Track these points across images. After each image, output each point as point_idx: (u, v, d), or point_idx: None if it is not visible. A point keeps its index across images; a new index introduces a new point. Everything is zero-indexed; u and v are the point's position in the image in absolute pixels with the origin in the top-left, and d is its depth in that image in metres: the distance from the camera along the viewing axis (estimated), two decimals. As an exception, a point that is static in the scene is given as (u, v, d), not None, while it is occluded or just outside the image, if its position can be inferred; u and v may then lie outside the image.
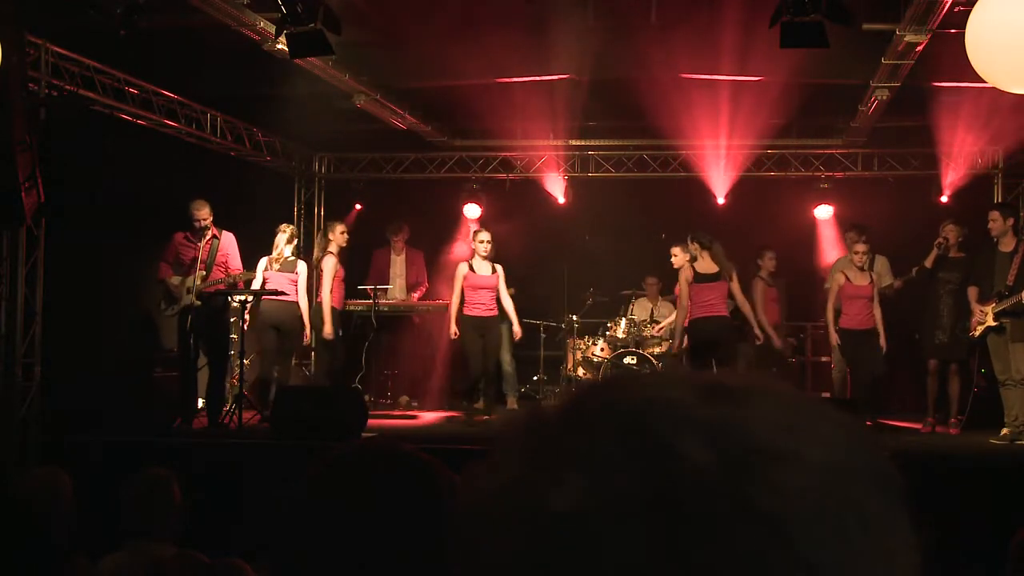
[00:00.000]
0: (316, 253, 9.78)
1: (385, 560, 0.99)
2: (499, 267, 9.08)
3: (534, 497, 0.49)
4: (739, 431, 0.48)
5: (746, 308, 8.73)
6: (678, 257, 9.21)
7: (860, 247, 8.67)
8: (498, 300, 9.04)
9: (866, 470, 0.50)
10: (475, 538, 0.52)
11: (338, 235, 9.55)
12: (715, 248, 8.60)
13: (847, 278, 8.66)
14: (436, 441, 7.69)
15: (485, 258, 8.99)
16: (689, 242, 8.78)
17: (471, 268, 8.99)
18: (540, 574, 0.48)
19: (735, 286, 8.62)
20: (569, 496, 0.48)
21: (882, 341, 8.41)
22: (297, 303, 8.94)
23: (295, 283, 8.94)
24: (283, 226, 9.18)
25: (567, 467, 0.49)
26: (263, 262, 8.99)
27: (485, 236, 9.04)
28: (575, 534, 0.47)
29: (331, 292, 9.32)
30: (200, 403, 8.67)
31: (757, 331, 8.80)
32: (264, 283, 8.87)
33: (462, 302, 8.98)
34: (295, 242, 9.15)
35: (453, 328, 9.02)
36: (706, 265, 8.57)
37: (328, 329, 9.20)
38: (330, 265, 9.36)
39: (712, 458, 0.47)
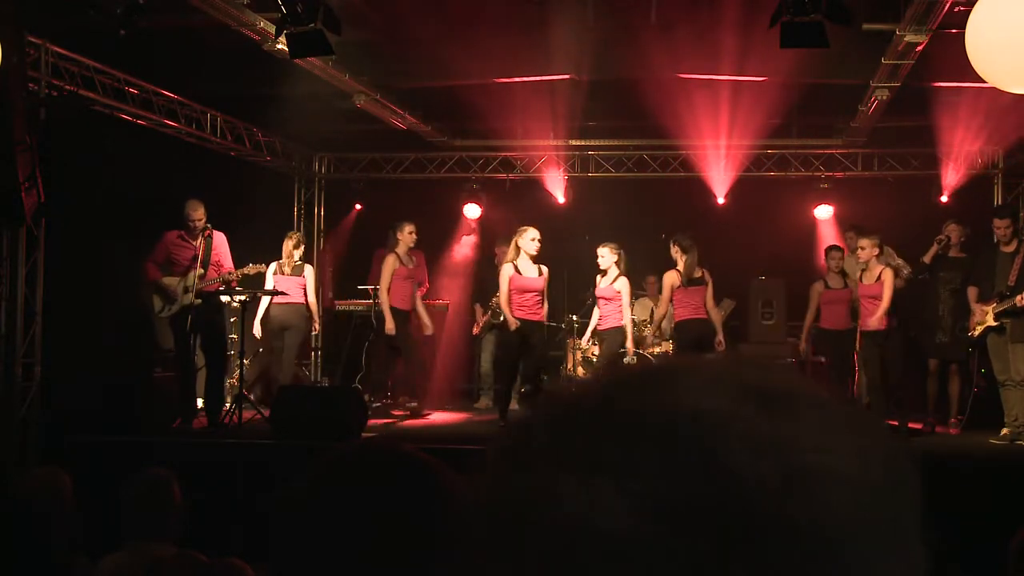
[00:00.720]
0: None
1: (385, 560, 0.99)
2: (544, 268, 8.69)
3: (571, 505, 0.47)
4: (788, 448, 0.47)
5: (715, 315, 8.87)
6: (673, 251, 9.18)
7: (836, 254, 8.86)
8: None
9: (900, 486, 0.50)
10: (499, 544, 0.49)
11: (406, 235, 9.48)
12: (695, 253, 8.78)
13: (825, 285, 8.83)
14: (436, 441, 7.70)
15: (533, 258, 8.54)
16: (671, 244, 8.89)
17: (517, 270, 8.51)
18: None
19: (710, 291, 8.83)
20: (610, 505, 0.46)
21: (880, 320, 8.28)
22: (305, 304, 9.41)
23: (303, 287, 9.41)
24: (291, 233, 9.63)
25: (606, 474, 0.47)
26: (272, 267, 9.35)
27: (535, 234, 8.49)
28: (615, 545, 0.45)
29: (389, 291, 9.31)
30: (200, 403, 8.68)
31: (720, 338, 8.88)
32: (274, 288, 9.32)
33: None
34: (302, 248, 9.58)
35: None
36: (689, 268, 8.75)
37: (389, 325, 9.20)
38: (389, 264, 9.37)
39: (763, 474, 0.46)
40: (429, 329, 9.82)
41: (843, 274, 8.88)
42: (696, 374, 0.51)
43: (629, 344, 9.03)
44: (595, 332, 9.62)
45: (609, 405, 0.50)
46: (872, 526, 0.47)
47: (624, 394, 0.51)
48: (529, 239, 8.47)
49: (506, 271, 8.55)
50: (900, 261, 9.08)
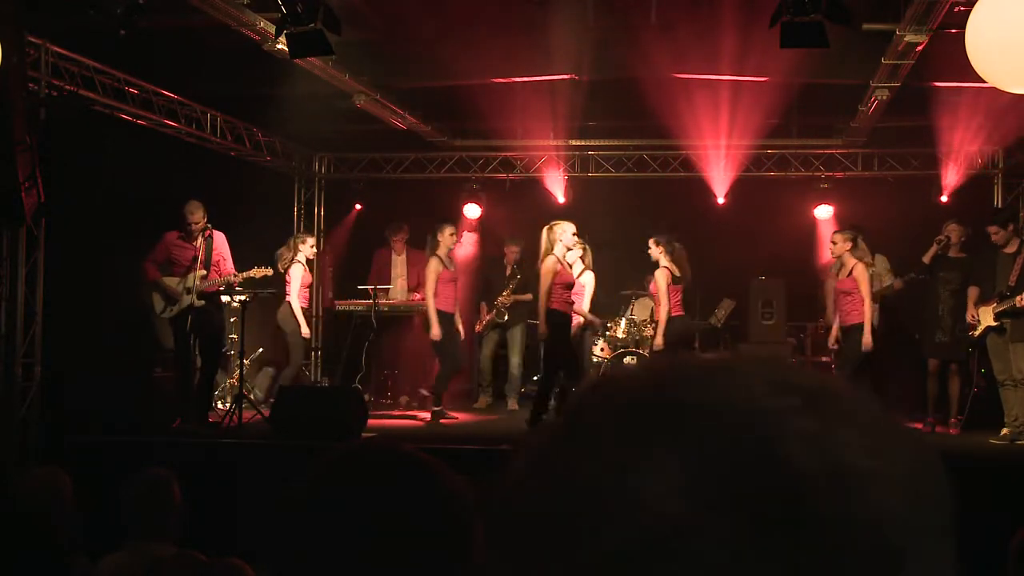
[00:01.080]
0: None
1: (385, 560, 0.99)
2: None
3: (633, 488, 0.48)
4: (835, 445, 0.49)
5: (661, 313, 9.07)
6: (654, 251, 9.26)
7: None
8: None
9: (935, 488, 0.52)
10: (555, 526, 0.50)
11: (447, 236, 9.52)
12: (677, 252, 8.95)
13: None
14: (436, 441, 7.70)
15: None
16: (653, 244, 8.96)
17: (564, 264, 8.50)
18: (631, 564, 0.47)
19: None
20: (671, 489, 0.47)
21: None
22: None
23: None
24: (305, 236, 10.12)
25: (669, 459, 0.48)
26: (300, 270, 9.75)
27: (571, 227, 8.47)
28: (675, 527, 0.47)
29: (435, 294, 9.34)
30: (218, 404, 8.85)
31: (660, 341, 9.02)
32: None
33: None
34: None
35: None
36: (672, 266, 8.91)
37: (435, 331, 9.23)
38: (432, 267, 9.38)
39: (815, 468, 0.47)
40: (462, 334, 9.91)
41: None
42: (748, 372, 0.53)
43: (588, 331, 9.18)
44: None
45: (670, 395, 0.51)
46: (911, 525, 0.48)
47: (683, 385, 0.52)
48: (572, 234, 8.42)
49: (551, 264, 8.30)
50: (892, 281, 9.10)
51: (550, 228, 8.38)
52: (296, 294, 9.74)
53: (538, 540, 0.50)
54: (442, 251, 9.47)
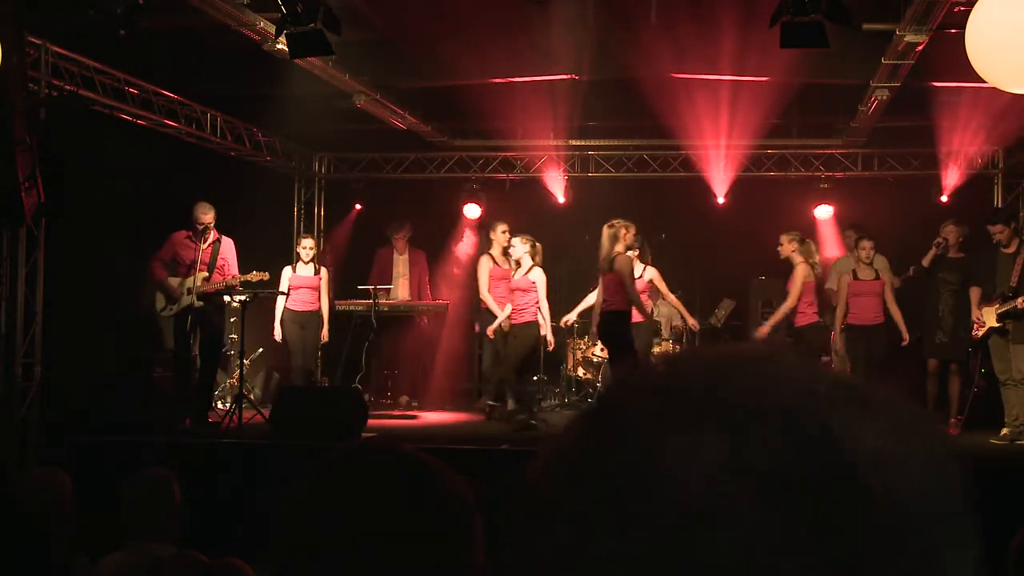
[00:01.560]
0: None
1: (385, 560, 0.99)
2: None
3: (683, 469, 0.48)
4: (876, 431, 0.50)
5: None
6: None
7: (866, 243, 8.68)
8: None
9: (957, 471, 0.53)
10: (601, 507, 0.50)
11: (499, 234, 9.52)
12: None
13: (854, 275, 8.68)
14: (436, 441, 7.70)
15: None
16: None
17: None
18: (678, 546, 0.47)
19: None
20: (720, 470, 0.48)
21: (903, 333, 8.40)
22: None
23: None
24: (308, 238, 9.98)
25: (718, 442, 0.49)
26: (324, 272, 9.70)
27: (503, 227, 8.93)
28: (724, 507, 0.47)
29: (489, 291, 9.36)
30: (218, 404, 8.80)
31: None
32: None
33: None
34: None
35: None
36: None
37: (505, 323, 9.28)
38: (484, 265, 9.41)
39: (860, 451, 0.49)
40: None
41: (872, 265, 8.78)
42: (784, 361, 0.54)
43: (549, 336, 9.14)
44: (509, 327, 9.26)
45: (711, 380, 0.52)
46: (946, 509, 0.50)
47: (724, 371, 0.53)
48: (634, 232, 8.45)
49: (631, 264, 8.33)
50: (818, 259, 8.99)
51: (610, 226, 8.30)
52: (486, 288, 9.54)
53: (576, 537, 0.50)
54: (495, 250, 9.49)
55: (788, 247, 8.57)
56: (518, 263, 9.07)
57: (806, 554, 0.46)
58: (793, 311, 8.59)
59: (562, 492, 0.52)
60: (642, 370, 0.55)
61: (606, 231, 8.25)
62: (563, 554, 0.50)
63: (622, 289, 8.02)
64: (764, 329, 8.69)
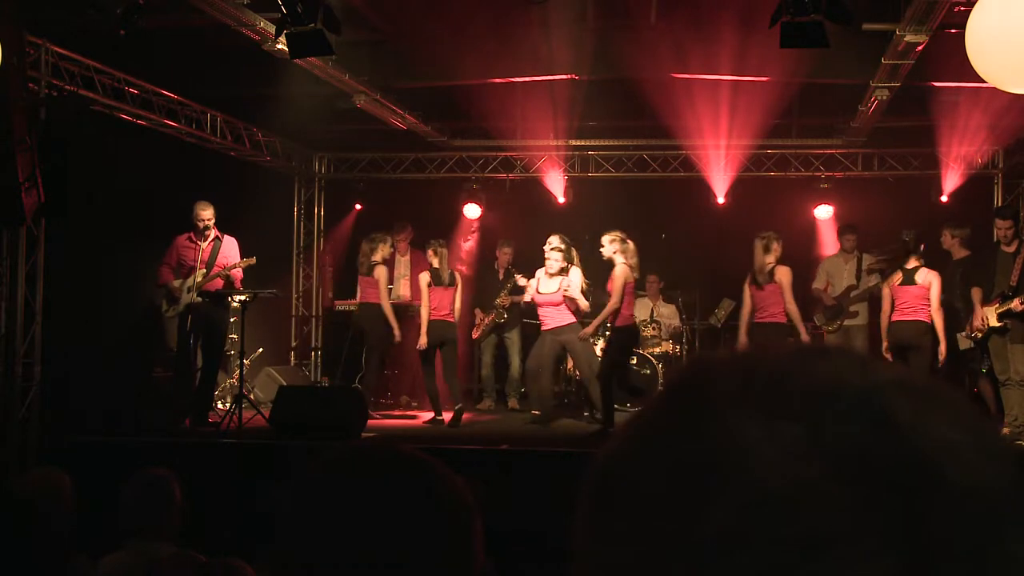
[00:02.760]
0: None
1: (385, 561, 0.99)
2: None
3: (763, 452, 0.49)
4: (938, 421, 0.51)
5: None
6: (607, 248, 8.53)
7: (604, 239, 8.40)
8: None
9: (1012, 458, 0.54)
10: (680, 488, 0.50)
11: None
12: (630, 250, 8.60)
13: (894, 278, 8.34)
14: (436, 441, 7.70)
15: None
16: (620, 241, 8.45)
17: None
18: (751, 533, 0.48)
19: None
20: (800, 455, 0.49)
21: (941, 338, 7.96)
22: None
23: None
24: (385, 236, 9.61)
25: (797, 428, 0.50)
26: (384, 271, 9.35)
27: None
28: (802, 491, 0.48)
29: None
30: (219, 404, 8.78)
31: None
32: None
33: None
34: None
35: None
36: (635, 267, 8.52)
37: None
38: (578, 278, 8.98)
39: (927, 439, 0.50)
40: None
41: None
42: (841, 354, 0.55)
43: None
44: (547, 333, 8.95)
45: (778, 371, 0.53)
46: (1007, 494, 0.51)
47: (788, 362, 0.54)
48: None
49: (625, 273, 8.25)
50: (635, 260, 8.55)
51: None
52: (385, 295, 9.37)
53: (653, 515, 0.51)
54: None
55: (610, 247, 8.29)
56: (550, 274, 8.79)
57: (883, 536, 0.47)
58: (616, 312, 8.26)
59: (640, 473, 0.53)
60: (716, 359, 0.56)
61: (758, 243, 8.29)
62: (640, 533, 0.51)
63: (781, 300, 8.12)
64: (587, 331, 8.41)
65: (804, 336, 8.42)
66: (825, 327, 9.76)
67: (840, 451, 0.49)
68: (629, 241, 8.41)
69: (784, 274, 8.18)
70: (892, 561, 0.47)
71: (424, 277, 9.07)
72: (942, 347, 7.96)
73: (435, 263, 9.10)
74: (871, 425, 0.50)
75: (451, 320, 9.08)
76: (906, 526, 0.48)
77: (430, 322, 8.96)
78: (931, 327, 7.99)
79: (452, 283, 9.09)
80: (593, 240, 9.87)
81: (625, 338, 8.46)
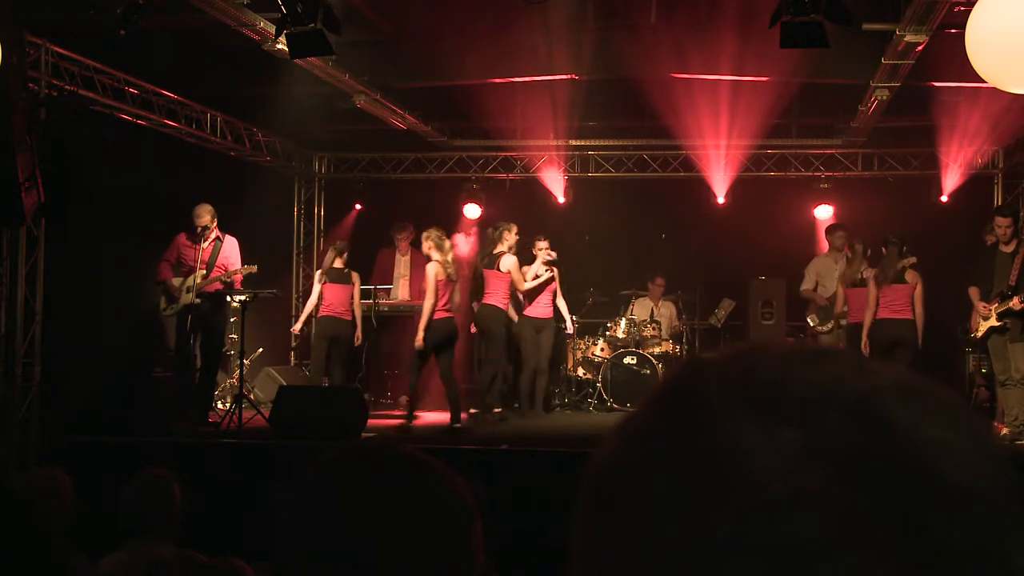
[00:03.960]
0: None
1: (384, 560, 0.99)
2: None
3: (761, 456, 0.49)
4: (935, 422, 0.51)
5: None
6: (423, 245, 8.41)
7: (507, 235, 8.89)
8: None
9: (1007, 459, 0.54)
10: (679, 492, 0.50)
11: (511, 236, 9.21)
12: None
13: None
14: (436, 441, 7.70)
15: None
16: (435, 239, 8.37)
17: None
18: (749, 536, 0.48)
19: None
20: (797, 458, 0.49)
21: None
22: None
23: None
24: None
25: (794, 431, 0.50)
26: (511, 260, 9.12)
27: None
28: (791, 496, 0.48)
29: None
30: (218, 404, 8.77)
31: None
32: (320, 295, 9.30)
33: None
34: (345, 255, 9.42)
35: None
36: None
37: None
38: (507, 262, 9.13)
39: (925, 441, 0.50)
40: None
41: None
42: (838, 356, 0.55)
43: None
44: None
45: (774, 373, 0.53)
46: (1006, 494, 0.51)
47: (785, 365, 0.54)
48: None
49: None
50: (451, 257, 8.42)
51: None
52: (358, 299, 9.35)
53: (652, 519, 0.51)
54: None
55: (427, 244, 8.25)
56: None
57: (884, 540, 0.47)
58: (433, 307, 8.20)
59: (638, 476, 0.53)
60: (712, 360, 0.56)
61: (892, 250, 8.30)
62: (639, 537, 0.51)
63: (910, 299, 8.22)
64: (419, 338, 8.18)
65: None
66: (819, 327, 9.76)
67: (839, 456, 0.49)
68: (446, 239, 8.47)
69: (914, 276, 8.28)
70: (893, 565, 0.47)
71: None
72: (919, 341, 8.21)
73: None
74: (869, 429, 0.50)
75: (454, 317, 8.75)
76: (907, 529, 0.48)
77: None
78: (915, 324, 8.21)
79: (457, 278, 8.83)
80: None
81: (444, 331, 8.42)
